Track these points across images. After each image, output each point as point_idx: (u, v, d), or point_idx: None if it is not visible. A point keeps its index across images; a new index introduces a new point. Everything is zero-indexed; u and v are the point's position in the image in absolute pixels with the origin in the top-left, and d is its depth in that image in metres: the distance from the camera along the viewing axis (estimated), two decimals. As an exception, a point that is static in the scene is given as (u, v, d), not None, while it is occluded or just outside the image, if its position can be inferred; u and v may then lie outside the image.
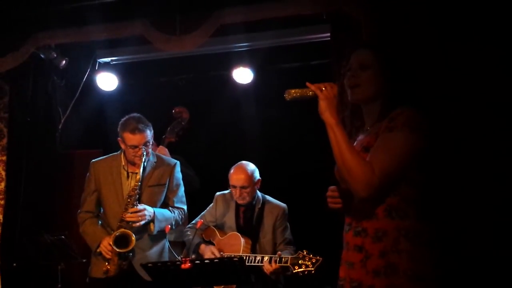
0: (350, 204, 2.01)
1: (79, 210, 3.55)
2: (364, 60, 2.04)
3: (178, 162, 3.64)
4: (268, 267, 3.39)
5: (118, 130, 3.46)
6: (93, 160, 3.59)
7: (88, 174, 3.56)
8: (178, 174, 3.61)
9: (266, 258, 3.43)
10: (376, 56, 2.04)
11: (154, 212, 3.37)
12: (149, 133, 3.44)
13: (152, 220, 3.37)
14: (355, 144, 2.08)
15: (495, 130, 3.19)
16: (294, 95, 1.99)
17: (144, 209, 3.32)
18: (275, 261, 3.37)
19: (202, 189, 4.45)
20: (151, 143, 3.50)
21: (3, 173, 4.67)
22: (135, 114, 3.49)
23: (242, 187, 3.68)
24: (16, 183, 4.66)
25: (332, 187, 2.08)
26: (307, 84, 1.98)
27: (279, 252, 3.46)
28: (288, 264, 3.32)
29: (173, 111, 4.64)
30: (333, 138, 1.91)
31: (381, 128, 1.95)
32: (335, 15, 3.80)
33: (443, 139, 3.01)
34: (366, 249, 1.93)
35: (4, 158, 4.69)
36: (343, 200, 2.05)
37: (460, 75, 3.26)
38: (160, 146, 4.39)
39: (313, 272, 3.25)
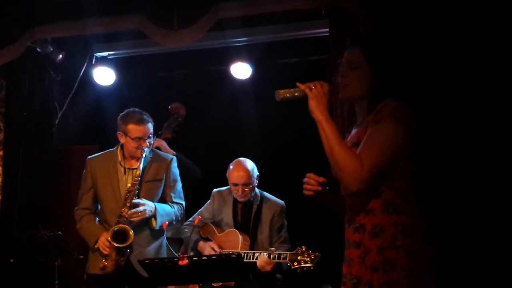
0: (348, 202, 2.01)
1: (76, 208, 3.53)
2: (352, 59, 2.05)
3: (174, 158, 3.62)
4: (261, 263, 3.35)
5: (119, 123, 3.44)
6: (89, 157, 3.57)
7: (84, 171, 3.55)
8: (175, 169, 3.58)
9: (264, 254, 3.41)
10: (364, 53, 2.04)
11: (155, 207, 3.36)
12: (151, 126, 3.45)
13: (153, 215, 3.36)
14: (347, 140, 2.09)
15: (493, 124, 3.19)
16: (284, 95, 2.01)
17: (144, 204, 3.31)
18: (273, 258, 3.35)
19: (200, 185, 4.43)
20: (152, 136, 3.49)
21: (0, 168, 4.65)
22: (134, 109, 3.48)
23: (244, 185, 3.66)
24: (13, 178, 4.62)
25: (310, 174, 2.08)
26: (297, 84, 2.00)
27: (273, 248, 3.43)
28: (287, 260, 3.30)
29: (169, 107, 4.61)
30: (323, 134, 1.94)
31: (369, 122, 1.96)
32: (333, 10, 3.79)
33: (437, 132, 3.02)
34: (364, 245, 1.93)
35: (0, 153, 4.66)
36: (344, 199, 2.05)
37: (458, 69, 3.26)
38: (157, 139, 4.36)
39: (312, 268, 3.24)
